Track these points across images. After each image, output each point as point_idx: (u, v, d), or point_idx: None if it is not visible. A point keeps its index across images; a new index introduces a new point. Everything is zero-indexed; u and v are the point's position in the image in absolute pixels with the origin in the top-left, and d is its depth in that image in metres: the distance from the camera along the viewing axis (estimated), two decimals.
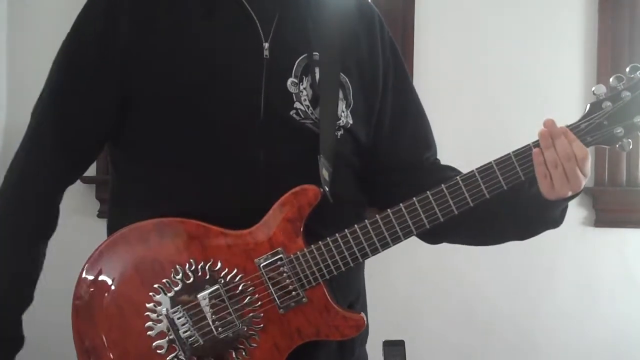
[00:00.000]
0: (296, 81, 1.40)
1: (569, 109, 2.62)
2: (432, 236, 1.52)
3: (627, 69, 1.34)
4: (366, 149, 1.49)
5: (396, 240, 1.37)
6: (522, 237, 1.49)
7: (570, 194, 1.34)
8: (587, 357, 2.81)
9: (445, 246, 2.87)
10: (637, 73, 1.33)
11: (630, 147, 1.35)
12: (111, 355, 1.38)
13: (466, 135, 2.72)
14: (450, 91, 2.80)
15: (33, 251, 1.45)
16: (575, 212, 2.81)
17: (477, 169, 1.35)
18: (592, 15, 2.78)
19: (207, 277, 1.35)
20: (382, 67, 1.50)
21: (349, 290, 1.47)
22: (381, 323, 2.73)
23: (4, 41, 2.78)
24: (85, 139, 1.45)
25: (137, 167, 1.44)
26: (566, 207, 1.42)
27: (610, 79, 1.34)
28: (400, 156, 1.51)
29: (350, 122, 1.44)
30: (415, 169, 1.50)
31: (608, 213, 2.79)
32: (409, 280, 2.79)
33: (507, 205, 1.40)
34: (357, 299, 1.51)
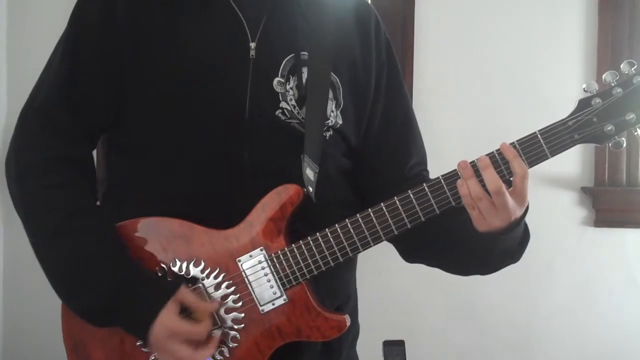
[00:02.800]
0: (282, 81, 1.39)
1: (569, 110, 2.62)
2: (404, 255, 1.54)
3: (622, 65, 1.30)
4: (356, 152, 1.48)
5: (377, 239, 1.36)
6: (480, 270, 1.49)
7: (505, 225, 1.32)
8: (587, 357, 2.81)
9: None
10: (632, 69, 1.30)
11: (624, 145, 1.31)
12: (99, 352, 1.39)
13: (466, 135, 2.72)
14: (450, 91, 2.80)
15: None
16: (575, 212, 2.81)
17: (411, 189, 1.34)
18: (592, 15, 2.78)
19: (190, 275, 1.36)
20: (376, 68, 1.49)
21: (337, 293, 1.47)
22: (381, 323, 2.75)
23: (4, 41, 2.78)
24: (96, 114, 1.43)
25: (127, 166, 1.44)
26: (524, 240, 1.41)
27: (604, 75, 1.31)
28: (380, 175, 1.50)
29: (340, 122, 1.43)
30: (398, 183, 1.46)
31: (608, 213, 2.79)
32: (409, 280, 2.78)
33: (455, 235, 1.39)
34: (346, 302, 1.50)
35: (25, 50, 2.72)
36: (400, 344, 1.50)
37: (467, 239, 1.37)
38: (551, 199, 2.78)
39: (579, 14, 2.79)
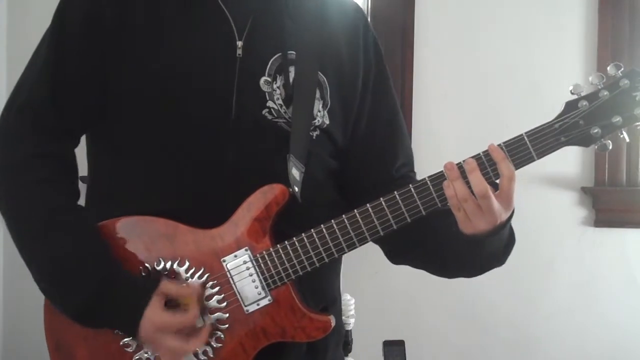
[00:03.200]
0: (269, 80, 1.39)
1: None
2: (390, 256, 1.53)
3: (609, 67, 1.29)
4: (343, 152, 1.48)
5: (362, 240, 1.35)
6: (465, 272, 1.47)
7: (490, 227, 1.31)
8: (587, 357, 2.81)
9: None
10: (619, 72, 1.28)
11: (610, 147, 1.30)
12: (82, 351, 1.39)
13: (465, 135, 2.72)
14: (450, 91, 2.80)
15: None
16: (575, 212, 2.81)
17: (397, 190, 1.33)
18: (592, 15, 2.78)
19: (175, 276, 1.35)
20: (363, 69, 1.49)
21: (323, 295, 1.46)
22: (381, 323, 2.74)
23: (4, 41, 2.78)
24: (80, 111, 1.43)
25: (112, 164, 1.44)
26: (510, 243, 1.39)
27: (590, 77, 1.29)
28: (367, 176, 1.49)
29: (327, 122, 1.43)
30: (384, 184, 1.45)
31: (608, 213, 2.79)
32: (409, 280, 2.78)
33: (441, 237, 1.38)
34: (332, 303, 1.49)
35: (25, 50, 2.71)
36: (400, 344, 1.50)
37: (453, 241, 1.35)
38: (551, 199, 2.79)
39: (579, 14, 2.79)
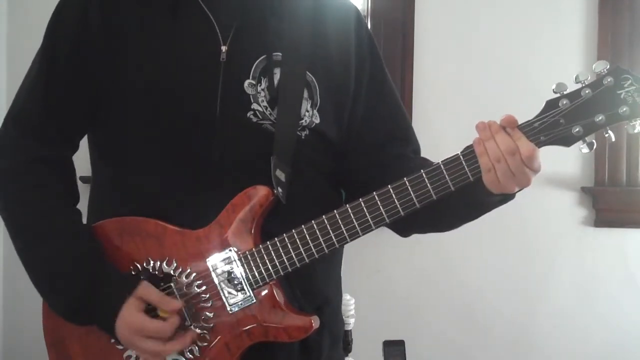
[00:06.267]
0: (254, 82, 1.40)
1: None
2: (400, 230, 1.51)
3: (595, 65, 1.26)
4: (339, 149, 1.48)
5: (342, 241, 1.35)
6: (458, 225, 1.47)
7: (517, 189, 1.31)
8: (586, 357, 2.81)
9: (445, 246, 2.87)
10: (604, 70, 1.25)
11: (595, 147, 1.28)
12: (75, 349, 1.42)
13: (465, 136, 2.72)
14: (450, 93, 2.80)
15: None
16: (575, 212, 2.81)
17: (424, 169, 1.31)
18: (592, 16, 2.78)
19: (163, 275, 1.38)
20: (356, 63, 1.49)
21: (314, 295, 1.45)
22: (381, 323, 2.74)
23: (4, 41, 2.78)
24: (73, 117, 1.47)
25: (107, 167, 1.47)
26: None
27: (574, 75, 1.27)
28: (373, 155, 1.48)
29: (317, 121, 1.43)
30: (390, 166, 1.45)
31: (608, 213, 2.79)
32: (409, 281, 2.79)
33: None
34: (326, 303, 1.49)
35: (25, 50, 2.72)
36: (400, 344, 1.51)
37: (466, 195, 1.34)
38: (551, 199, 2.79)
39: (579, 14, 2.79)
